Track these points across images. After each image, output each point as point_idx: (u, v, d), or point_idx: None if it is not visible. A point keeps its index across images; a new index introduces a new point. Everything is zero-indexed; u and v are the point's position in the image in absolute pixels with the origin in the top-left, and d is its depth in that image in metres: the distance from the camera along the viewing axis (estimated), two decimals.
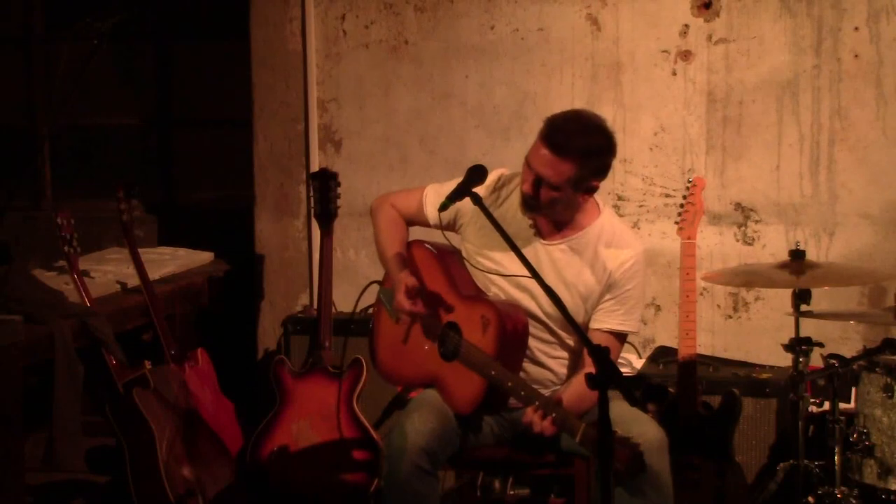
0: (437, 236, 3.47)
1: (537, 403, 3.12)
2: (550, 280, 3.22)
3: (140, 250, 4.30)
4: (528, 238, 3.36)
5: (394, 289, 3.38)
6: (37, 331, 3.68)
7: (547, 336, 3.38)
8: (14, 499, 3.62)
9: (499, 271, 3.37)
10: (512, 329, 3.25)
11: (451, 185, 3.32)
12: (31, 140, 5.73)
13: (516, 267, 3.28)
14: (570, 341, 3.40)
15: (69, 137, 5.72)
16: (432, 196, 3.50)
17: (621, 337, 3.39)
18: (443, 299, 3.38)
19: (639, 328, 3.47)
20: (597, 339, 3.24)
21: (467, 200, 3.27)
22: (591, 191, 3.30)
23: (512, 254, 3.21)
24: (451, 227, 3.49)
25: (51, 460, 3.78)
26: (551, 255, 3.35)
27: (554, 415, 3.08)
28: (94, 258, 4.62)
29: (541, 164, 3.21)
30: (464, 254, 3.45)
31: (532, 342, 3.35)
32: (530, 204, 3.28)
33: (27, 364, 3.66)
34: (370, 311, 4.25)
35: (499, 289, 3.39)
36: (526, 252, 3.30)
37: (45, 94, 5.73)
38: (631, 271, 3.35)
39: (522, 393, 3.15)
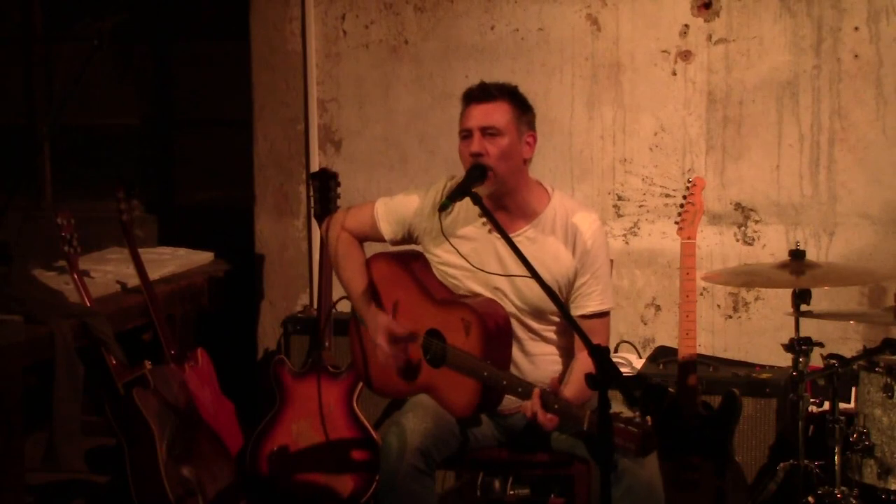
0: None
1: (537, 392, 3.09)
2: (514, 273, 3.24)
3: (140, 250, 4.30)
4: (484, 235, 3.33)
5: (367, 324, 3.39)
6: (37, 331, 3.68)
7: (524, 333, 3.35)
8: (14, 499, 3.62)
9: (463, 277, 3.36)
10: (494, 326, 3.24)
11: (399, 199, 3.45)
12: (31, 140, 5.73)
13: (479, 267, 3.30)
14: (550, 333, 3.37)
15: (69, 137, 5.72)
16: (383, 211, 3.48)
17: (605, 314, 3.37)
18: (418, 309, 3.36)
19: (614, 303, 3.45)
20: (585, 326, 3.18)
21: (415, 212, 3.36)
22: (531, 142, 3.32)
23: (473, 256, 3.27)
24: (408, 240, 3.48)
25: (51, 460, 3.78)
26: (509, 249, 3.30)
27: (556, 406, 3.05)
28: (94, 258, 4.62)
29: (479, 118, 3.26)
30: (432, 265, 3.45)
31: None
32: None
33: (27, 364, 3.66)
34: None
35: (467, 292, 3.37)
36: (486, 249, 3.32)
37: (45, 94, 5.73)
38: (598, 235, 3.35)
39: (520, 389, 3.12)
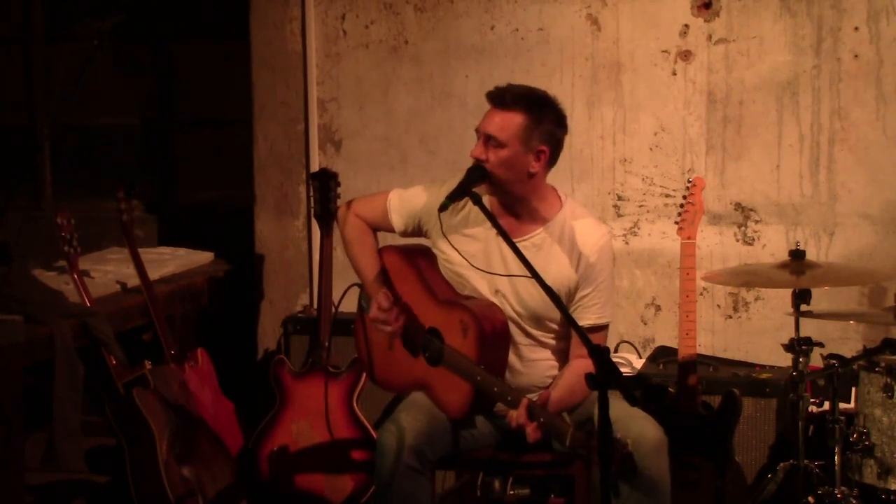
0: None
1: (524, 403, 3.09)
2: (518, 279, 3.24)
3: (140, 250, 4.30)
4: (491, 237, 3.31)
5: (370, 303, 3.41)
6: (37, 331, 3.68)
7: (522, 338, 3.35)
8: (14, 499, 3.62)
9: (467, 277, 3.35)
10: (491, 331, 3.24)
11: (412, 192, 3.44)
12: (31, 140, 5.73)
13: (483, 268, 3.30)
14: (548, 339, 3.37)
15: (69, 137, 5.72)
16: (396, 202, 3.47)
17: (603, 329, 3.36)
18: (420, 306, 3.36)
19: (613, 317, 3.43)
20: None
21: (425, 207, 3.35)
22: (541, 156, 3.25)
23: (478, 256, 3.27)
24: (417, 233, 3.48)
25: (51, 460, 3.78)
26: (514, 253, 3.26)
27: (541, 419, 3.05)
28: (94, 258, 4.61)
29: (488, 124, 3.22)
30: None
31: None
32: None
33: (27, 364, 3.65)
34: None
35: (471, 291, 3.37)
36: (491, 250, 3.31)
37: (45, 94, 5.73)
38: (605, 250, 3.32)
39: (509, 398, 3.13)
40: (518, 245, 3.21)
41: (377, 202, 3.51)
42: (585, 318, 3.31)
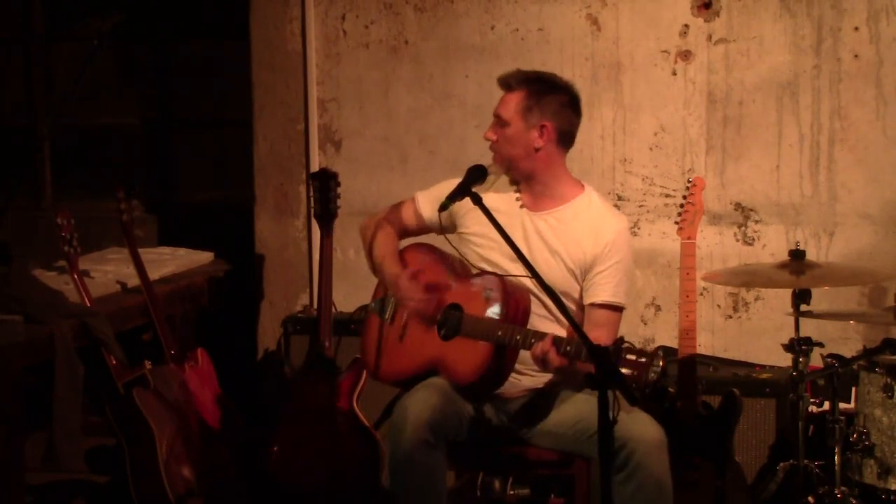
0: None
1: (550, 336, 3.11)
2: (537, 250, 3.32)
3: (140, 250, 4.30)
4: (516, 210, 3.42)
5: (390, 288, 3.46)
6: (37, 331, 3.67)
7: (537, 308, 3.37)
8: (14, 499, 3.62)
9: (497, 263, 3.39)
10: (514, 304, 3.28)
11: (435, 190, 3.52)
12: (31, 140, 5.73)
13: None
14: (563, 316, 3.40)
15: (69, 137, 5.72)
16: (422, 196, 3.60)
17: (617, 309, 3.39)
18: (442, 283, 3.42)
19: (626, 303, 3.45)
20: (594, 315, 3.31)
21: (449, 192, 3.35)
22: (544, 131, 3.36)
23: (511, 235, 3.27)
24: (452, 226, 3.52)
25: (51, 460, 3.78)
26: (537, 226, 3.40)
27: (568, 348, 3.07)
28: (94, 258, 4.61)
29: (498, 106, 3.44)
30: (458, 243, 3.48)
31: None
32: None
33: (27, 364, 3.65)
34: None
35: (488, 260, 3.41)
36: (514, 223, 3.37)
37: (45, 94, 5.73)
38: (623, 233, 3.41)
39: (533, 340, 3.15)
40: (540, 218, 3.38)
41: (405, 208, 3.64)
42: (598, 295, 3.36)
